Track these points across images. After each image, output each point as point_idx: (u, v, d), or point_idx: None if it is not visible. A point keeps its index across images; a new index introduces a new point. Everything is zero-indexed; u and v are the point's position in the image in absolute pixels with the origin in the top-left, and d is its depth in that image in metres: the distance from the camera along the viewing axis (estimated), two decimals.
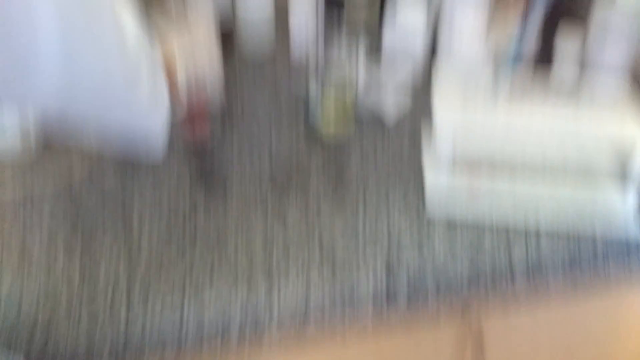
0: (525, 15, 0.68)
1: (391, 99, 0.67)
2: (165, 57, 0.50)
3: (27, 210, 0.53)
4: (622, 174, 0.54)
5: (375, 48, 0.84)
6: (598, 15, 0.61)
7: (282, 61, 0.85)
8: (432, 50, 0.77)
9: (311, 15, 0.79)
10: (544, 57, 0.61)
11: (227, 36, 0.81)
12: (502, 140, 0.55)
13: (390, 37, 0.75)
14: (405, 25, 0.74)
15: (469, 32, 0.70)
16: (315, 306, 0.46)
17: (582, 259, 0.49)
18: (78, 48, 0.31)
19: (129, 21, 0.37)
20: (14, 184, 0.56)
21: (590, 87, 0.52)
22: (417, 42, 0.74)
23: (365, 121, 0.69)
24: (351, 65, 0.65)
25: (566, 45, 0.58)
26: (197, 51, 0.53)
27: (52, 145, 0.61)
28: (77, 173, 0.58)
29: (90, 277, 0.46)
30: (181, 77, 0.50)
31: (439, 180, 0.52)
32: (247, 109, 0.71)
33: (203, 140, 0.64)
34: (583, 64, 0.60)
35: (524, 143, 0.54)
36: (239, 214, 0.53)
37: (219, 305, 0.45)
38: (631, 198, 0.50)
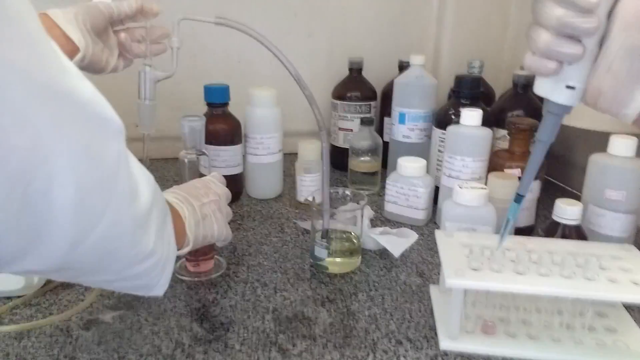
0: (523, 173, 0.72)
1: (395, 236, 0.69)
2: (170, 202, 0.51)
3: (23, 343, 0.51)
4: None
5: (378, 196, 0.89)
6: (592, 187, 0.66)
7: (289, 199, 0.89)
8: (435, 192, 0.81)
9: (316, 167, 0.85)
10: (543, 228, 0.64)
11: (236, 177, 0.85)
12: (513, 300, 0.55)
13: (392, 188, 0.80)
14: (407, 173, 0.78)
15: (469, 179, 0.75)
16: None
17: None
18: (90, 214, 0.30)
19: (142, 173, 0.37)
20: (12, 317, 0.55)
21: (596, 254, 0.53)
22: (419, 188, 0.77)
23: (371, 253, 0.70)
24: (356, 206, 0.67)
25: (564, 214, 0.61)
26: (203, 191, 0.55)
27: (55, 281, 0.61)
28: (78, 307, 0.56)
29: None
30: (188, 215, 0.51)
31: (452, 334, 0.51)
32: (254, 244, 0.72)
33: (207, 275, 0.64)
34: (584, 234, 0.62)
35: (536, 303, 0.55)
36: (241, 352, 0.50)
37: None
38: None
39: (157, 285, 0.41)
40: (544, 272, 0.50)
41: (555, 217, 0.61)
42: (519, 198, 0.49)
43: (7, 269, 0.30)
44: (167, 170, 1.01)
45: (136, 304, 0.57)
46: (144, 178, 0.36)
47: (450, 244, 0.55)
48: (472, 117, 0.75)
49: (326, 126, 0.92)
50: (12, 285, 0.57)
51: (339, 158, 1.02)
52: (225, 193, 0.58)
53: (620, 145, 0.63)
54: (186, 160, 0.62)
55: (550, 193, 0.79)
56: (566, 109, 0.43)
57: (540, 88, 0.43)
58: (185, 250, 0.51)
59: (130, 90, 0.62)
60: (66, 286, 0.60)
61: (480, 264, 0.51)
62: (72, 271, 0.33)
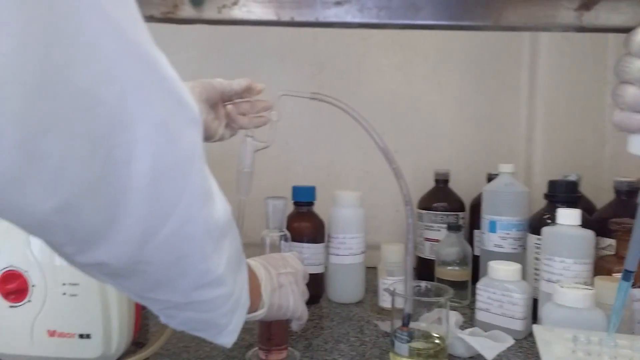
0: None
1: (488, 338, 0.61)
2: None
3: None
4: None
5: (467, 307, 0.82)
6: None
7: (370, 304, 0.84)
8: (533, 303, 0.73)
9: (399, 270, 0.82)
10: None
11: (317, 277, 0.84)
12: None
13: (484, 294, 0.74)
14: (500, 277, 0.72)
15: (571, 283, 0.67)
16: None
17: None
18: (163, 201, 0.30)
19: (219, 192, 0.36)
20: None
21: None
22: (515, 294, 0.71)
23: (458, 357, 0.63)
24: (445, 309, 0.62)
25: None
26: (282, 263, 0.55)
27: (131, 351, 0.61)
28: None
29: None
30: (264, 279, 0.50)
31: None
32: (330, 341, 0.68)
33: None
34: None
35: None
36: None
37: None
38: None
39: (226, 329, 0.40)
40: None
41: None
42: (627, 275, 0.43)
43: (80, 257, 0.30)
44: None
45: None
46: (220, 195, 0.36)
47: (551, 338, 0.48)
48: (570, 215, 0.70)
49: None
50: (90, 354, 0.58)
51: (425, 270, 0.97)
52: (302, 270, 0.57)
53: None
54: (267, 238, 0.63)
55: None
56: None
57: (634, 147, 0.41)
58: (260, 313, 0.49)
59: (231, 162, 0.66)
60: None
61: (588, 357, 0.43)
62: (142, 276, 0.33)
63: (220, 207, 0.36)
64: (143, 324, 0.70)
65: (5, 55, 0.21)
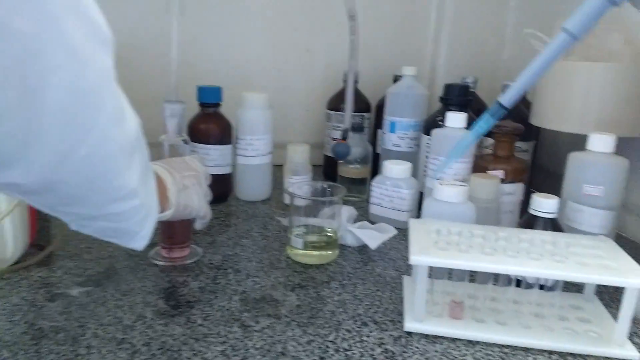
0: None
1: (374, 230, 0.68)
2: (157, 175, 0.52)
3: None
4: None
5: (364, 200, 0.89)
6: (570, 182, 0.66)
7: (277, 202, 0.89)
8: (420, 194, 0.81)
9: (304, 169, 0.86)
10: (520, 222, 0.64)
11: (225, 177, 0.86)
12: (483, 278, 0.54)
13: (377, 190, 0.80)
14: (392, 175, 0.78)
15: (451, 179, 0.74)
16: None
17: None
18: (79, 124, 0.30)
19: (128, 105, 0.37)
20: None
21: (569, 243, 0.52)
22: (403, 189, 0.77)
23: (350, 249, 0.69)
24: (338, 205, 0.67)
25: (541, 206, 0.60)
26: (184, 166, 0.56)
27: (30, 254, 0.62)
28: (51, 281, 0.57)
29: None
30: (170, 181, 0.52)
31: (418, 315, 0.50)
32: (233, 237, 0.72)
33: (181, 260, 0.63)
34: (560, 228, 0.61)
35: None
36: (202, 327, 0.50)
37: None
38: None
39: (138, 235, 0.42)
40: (511, 254, 0.49)
41: (531, 210, 0.60)
42: (497, 111, 0.47)
43: None
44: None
45: (105, 282, 0.57)
46: (130, 110, 0.37)
47: (421, 229, 0.55)
48: (456, 119, 0.75)
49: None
50: None
51: (329, 168, 1.02)
52: (204, 171, 0.59)
53: (598, 142, 0.62)
54: (166, 143, 0.63)
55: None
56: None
57: None
58: (168, 213, 0.51)
59: None
60: (40, 264, 0.61)
61: (448, 246, 0.50)
62: (56, 194, 0.33)
63: (132, 122, 0.36)
64: (42, 226, 0.70)
65: None
